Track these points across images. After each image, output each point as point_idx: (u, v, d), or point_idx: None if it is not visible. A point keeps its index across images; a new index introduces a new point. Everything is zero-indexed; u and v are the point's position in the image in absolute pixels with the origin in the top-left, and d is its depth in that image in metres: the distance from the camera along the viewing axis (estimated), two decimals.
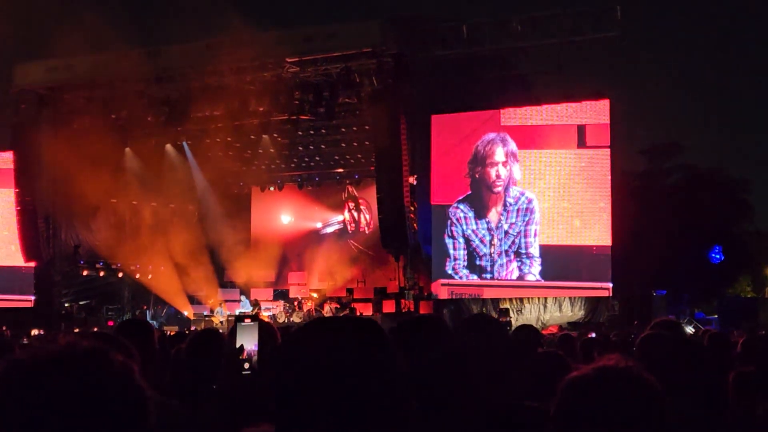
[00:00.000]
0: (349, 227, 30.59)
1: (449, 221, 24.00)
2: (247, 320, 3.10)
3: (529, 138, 23.77)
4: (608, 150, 23.14)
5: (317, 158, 29.95)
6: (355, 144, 28.83)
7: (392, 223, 23.26)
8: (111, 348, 1.40)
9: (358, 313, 25.89)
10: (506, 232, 23.42)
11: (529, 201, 23.32)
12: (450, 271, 23.96)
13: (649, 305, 23.84)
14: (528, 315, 24.29)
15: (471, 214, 23.79)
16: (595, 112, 23.27)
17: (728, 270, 30.51)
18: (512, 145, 23.70)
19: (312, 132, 28.39)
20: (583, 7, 22.82)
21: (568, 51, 23.51)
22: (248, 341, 3.03)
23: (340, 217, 30.75)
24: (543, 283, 23.40)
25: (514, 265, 23.40)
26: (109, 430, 1.30)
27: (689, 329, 20.53)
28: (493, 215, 23.58)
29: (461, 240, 23.89)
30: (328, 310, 26.08)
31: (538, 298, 24.44)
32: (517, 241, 23.32)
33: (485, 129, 24.09)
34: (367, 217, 29.87)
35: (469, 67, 24.62)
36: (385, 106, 23.03)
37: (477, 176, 23.90)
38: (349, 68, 23.83)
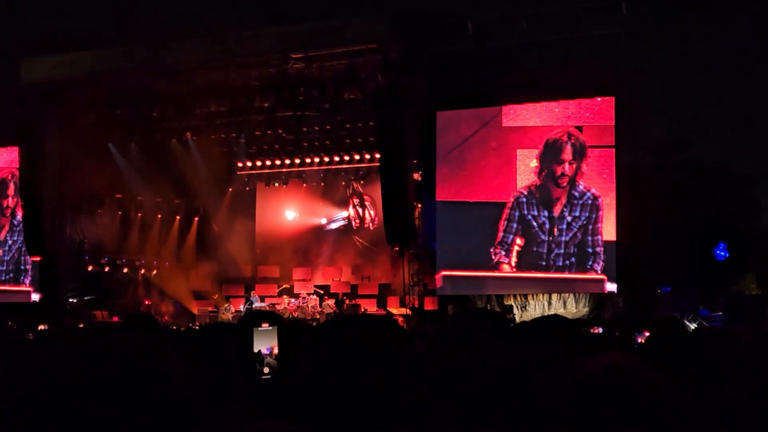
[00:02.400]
0: (353, 223, 30.60)
1: (510, 204, 23.76)
2: (264, 325, 3.05)
3: (530, 138, 23.70)
4: (613, 149, 23.03)
5: (322, 154, 29.96)
6: (359, 140, 28.85)
7: (397, 219, 23.28)
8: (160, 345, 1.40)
9: (362, 309, 25.99)
10: (569, 224, 23.26)
11: (595, 197, 23.10)
12: (491, 250, 23.66)
13: (654, 302, 23.83)
14: (532, 311, 24.30)
15: (534, 201, 23.66)
16: (601, 111, 23.17)
17: (733, 267, 30.45)
18: (581, 142, 23.37)
19: (317, 128, 28.41)
20: (589, 3, 22.78)
21: (573, 47, 23.47)
22: (265, 345, 2.98)
23: (344, 213, 30.76)
24: (545, 275, 23.30)
25: (574, 257, 23.16)
26: (156, 427, 1.30)
27: (693, 326, 20.51)
28: (556, 207, 23.41)
29: (514, 225, 23.70)
30: (327, 306, 26.15)
31: (542, 295, 24.43)
32: (579, 235, 23.16)
33: (486, 129, 24.03)
34: (372, 213, 29.88)
35: (474, 63, 24.59)
36: (390, 103, 23.04)
37: (546, 170, 23.65)
38: (355, 64, 23.85)
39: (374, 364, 1.66)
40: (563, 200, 23.37)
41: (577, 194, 23.25)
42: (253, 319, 3.59)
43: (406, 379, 1.68)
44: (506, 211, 23.71)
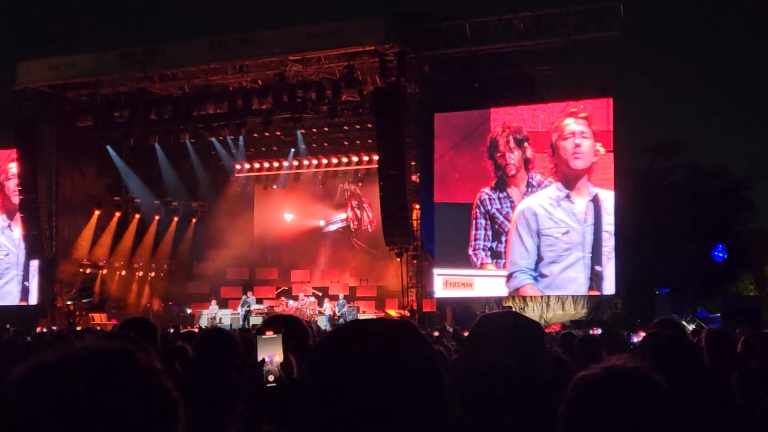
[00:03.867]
0: (351, 225, 30.59)
1: (474, 204, 23.90)
2: (269, 332, 2.99)
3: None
4: (611, 151, 23.04)
5: (320, 156, 29.97)
6: (357, 142, 28.85)
7: (395, 221, 23.27)
8: (135, 348, 1.39)
9: (361, 311, 25.94)
10: None
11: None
12: (470, 253, 23.82)
13: (652, 304, 23.83)
14: (531, 313, 24.28)
15: (495, 196, 23.77)
16: (599, 114, 23.11)
17: (731, 268, 30.46)
18: (516, 133, 23.50)
19: (315, 130, 28.42)
20: (587, 5, 22.79)
21: (571, 49, 23.50)
22: (269, 353, 2.93)
23: (343, 215, 30.74)
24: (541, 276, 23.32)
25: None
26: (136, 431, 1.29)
27: (691, 327, 20.52)
28: (515, 194, 23.50)
29: (482, 221, 23.80)
30: (328, 308, 26.10)
31: (541, 297, 24.44)
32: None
33: (483, 132, 24.08)
34: (370, 215, 29.86)
35: (472, 65, 24.62)
36: (387, 105, 23.03)
37: (496, 163, 23.82)
38: (352, 66, 23.85)
39: (390, 376, 1.60)
40: (522, 188, 23.55)
41: (534, 182, 23.42)
42: (271, 323, 3.56)
43: (425, 391, 1.63)
44: (473, 211, 23.88)
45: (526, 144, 23.57)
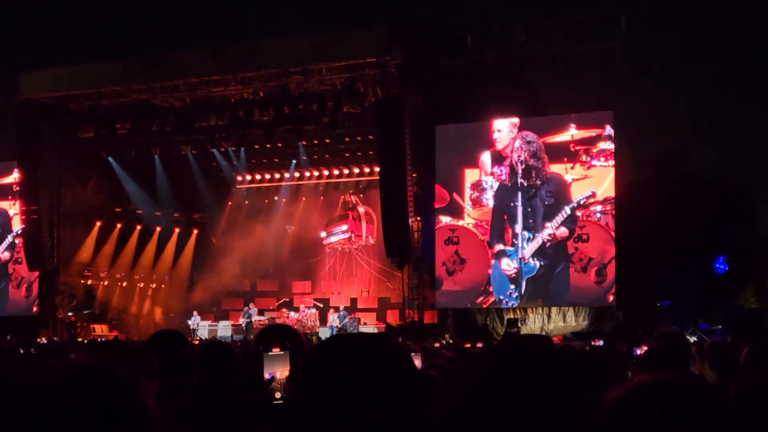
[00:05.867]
0: (353, 236, 30.56)
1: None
2: (275, 349, 2.97)
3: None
4: (612, 162, 23.10)
5: (321, 167, 29.98)
6: (359, 154, 28.86)
7: (396, 233, 23.25)
8: (119, 364, 1.38)
9: (362, 323, 25.93)
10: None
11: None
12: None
13: (654, 315, 23.76)
14: (532, 325, 24.25)
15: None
16: (600, 125, 23.14)
17: (733, 280, 30.34)
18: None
19: (316, 141, 28.43)
20: (588, 16, 22.82)
21: (572, 60, 23.51)
22: (277, 369, 2.91)
23: (344, 227, 30.70)
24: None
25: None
26: None
27: (693, 339, 20.45)
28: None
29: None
30: (331, 320, 26.09)
31: (542, 308, 24.39)
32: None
33: (484, 143, 24.16)
34: (371, 226, 29.85)
35: (473, 76, 24.62)
36: (389, 116, 23.04)
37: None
38: (354, 78, 23.87)
39: (371, 388, 1.65)
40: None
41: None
42: (267, 336, 3.54)
43: (409, 403, 1.67)
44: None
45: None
